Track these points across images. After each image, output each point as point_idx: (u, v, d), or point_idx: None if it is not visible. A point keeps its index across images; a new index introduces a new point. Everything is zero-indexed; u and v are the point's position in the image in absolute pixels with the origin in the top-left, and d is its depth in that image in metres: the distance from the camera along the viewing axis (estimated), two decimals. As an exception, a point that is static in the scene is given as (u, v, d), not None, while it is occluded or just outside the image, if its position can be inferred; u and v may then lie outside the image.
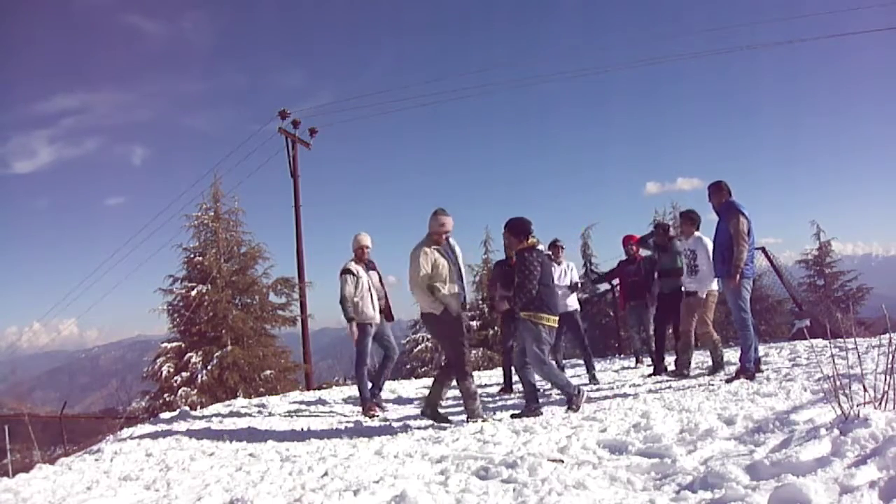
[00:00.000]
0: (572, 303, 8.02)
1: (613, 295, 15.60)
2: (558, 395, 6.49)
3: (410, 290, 5.44)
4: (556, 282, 8.08)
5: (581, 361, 8.47)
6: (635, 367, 8.60)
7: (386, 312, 6.98)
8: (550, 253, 8.00)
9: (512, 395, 7.18)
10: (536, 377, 5.49)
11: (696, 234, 6.97)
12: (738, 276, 5.81)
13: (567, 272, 8.07)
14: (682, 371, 6.92)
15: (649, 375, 7.49)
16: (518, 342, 5.63)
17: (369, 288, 6.64)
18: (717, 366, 6.83)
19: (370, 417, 6.36)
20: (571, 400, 5.29)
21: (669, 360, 8.66)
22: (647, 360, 8.61)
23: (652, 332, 8.48)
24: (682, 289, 7.51)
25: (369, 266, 6.86)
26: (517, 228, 5.52)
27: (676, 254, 7.70)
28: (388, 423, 5.81)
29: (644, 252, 8.33)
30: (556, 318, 5.48)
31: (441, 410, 5.61)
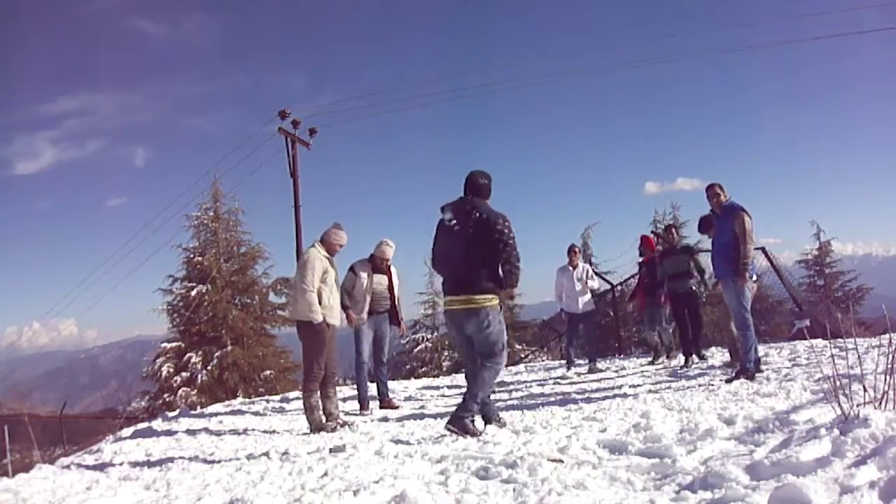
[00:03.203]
0: (588, 304, 8.44)
1: (614, 295, 15.58)
2: (560, 395, 6.49)
3: (296, 291, 5.53)
4: (574, 286, 8.37)
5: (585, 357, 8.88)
6: (652, 363, 8.67)
7: (392, 316, 6.98)
8: (568, 258, 8.36)
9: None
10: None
11: None
12: (746, 275, 5.83)
13: (583, 275, 8.49)
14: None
15: (682, 367, 7.77)
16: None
17: (366, 292, 6.63)
18: (735, 356, 6.93)
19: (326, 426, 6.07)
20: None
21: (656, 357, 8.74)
22: (663, 358, 8.70)
23: (666, 328, 8.69)
24: (692, 289, 7.82)
25: (378, 269, 6.84)
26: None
27: (686, 256, 7.91)
28: (387, 422, 5.81)
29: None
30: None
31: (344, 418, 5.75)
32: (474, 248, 4.32)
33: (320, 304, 5.48)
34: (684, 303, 8.05)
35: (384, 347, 7.04)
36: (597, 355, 8.72)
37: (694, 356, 8.01)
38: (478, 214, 4.34)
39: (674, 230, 8.57)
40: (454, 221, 4.41)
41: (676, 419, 4.08)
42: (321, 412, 5.57)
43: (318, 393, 5.62)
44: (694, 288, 7.98)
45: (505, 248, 4.29)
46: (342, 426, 5.49)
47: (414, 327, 20.36)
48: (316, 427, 5.47)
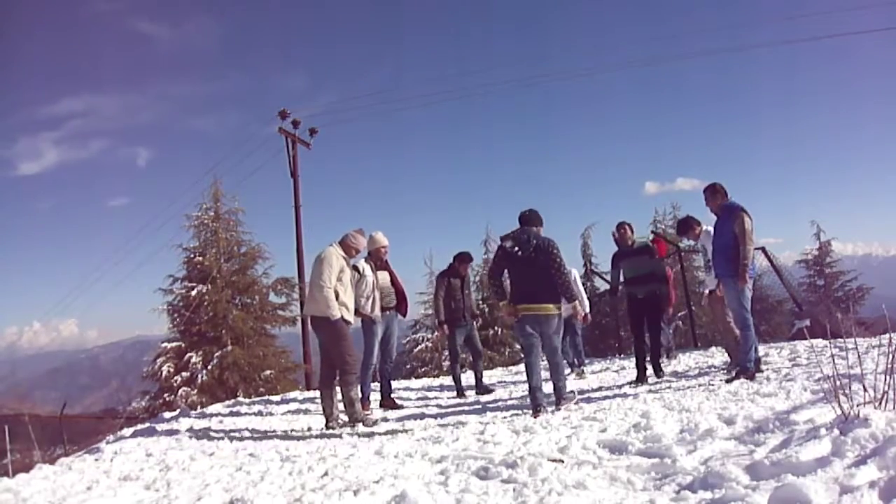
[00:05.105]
0: (567, 309, 8.17)
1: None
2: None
3: (313, 289, 5.69)
4: None
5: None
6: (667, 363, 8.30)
7: (402, 308, 7.01)
8: None
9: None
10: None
11: (706, 227, 6.66)
12: (745, 276, 5.79)
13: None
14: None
15: (633, 383, 7.00)
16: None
17: (373, 287, 6.63)
18: (733, 356, 6.75)
19: (367, 419, 6.22)
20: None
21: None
22: (663, 358, 8.39)
23: (663, 329, 8.21)
24: (656, 293, 7.19)
25: (380, 265, 6.85)
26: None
27: (646, 257, 7.25)
28: (387, 422, 5.81)
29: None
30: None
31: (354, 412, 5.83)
32: (539, 269, 5.27)
33: (336, 301, 5.57)
34: (645, 309, 7.16)
35: (392, 346, 7.07)
36: (582, 361, 8.51)
37: (652, 371, 7.17)
38: (535, 242, 5.31)
39: (626, 227, 7.40)
40: (517, 248, 5.33)
41: (676, 419, 4.08)
42: (359, 404, 5.76)
43: (357, 386, 5.81)
44: (657, 293, 7.20)
45: (560, 268, 5.28)
46: (341, 426, 5.50)
47: (414, 327, 20.35)
48: (355, 420, 5.59)
